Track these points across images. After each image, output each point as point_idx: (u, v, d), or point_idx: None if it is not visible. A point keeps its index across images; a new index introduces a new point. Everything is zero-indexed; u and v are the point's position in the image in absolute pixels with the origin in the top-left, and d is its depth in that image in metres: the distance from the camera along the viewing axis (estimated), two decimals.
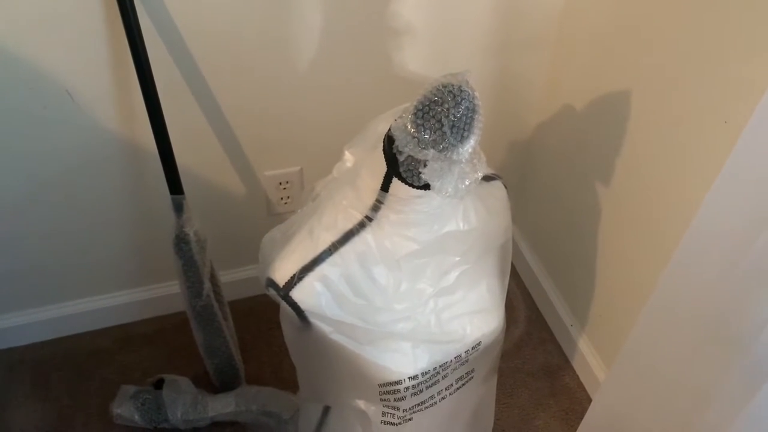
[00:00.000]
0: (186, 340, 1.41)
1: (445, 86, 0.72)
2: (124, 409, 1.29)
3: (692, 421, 0.99)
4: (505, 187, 1.01)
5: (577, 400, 1.42)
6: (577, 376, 1.47)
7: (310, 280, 0.84)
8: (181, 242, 1.17)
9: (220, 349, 1.31)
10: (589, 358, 1.43)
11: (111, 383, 1.36)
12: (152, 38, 1.07)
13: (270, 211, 1.42)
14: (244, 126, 1.27)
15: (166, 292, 1.48)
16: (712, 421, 0.92)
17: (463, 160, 0.76)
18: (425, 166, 0.76)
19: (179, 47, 1.11)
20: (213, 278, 1.27)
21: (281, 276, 0.86)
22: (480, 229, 0.90)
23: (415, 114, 0.73)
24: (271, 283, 0.86)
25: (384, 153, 0.80)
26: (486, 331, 0.97)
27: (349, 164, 0.93)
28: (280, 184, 1.38)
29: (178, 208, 1.16)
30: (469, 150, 0.75)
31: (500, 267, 1.01)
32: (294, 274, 0.84)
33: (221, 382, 1.36)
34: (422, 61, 1.26)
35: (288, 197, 1.40)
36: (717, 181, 0.79)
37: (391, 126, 0.78)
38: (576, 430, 1.32)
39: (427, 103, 0.73)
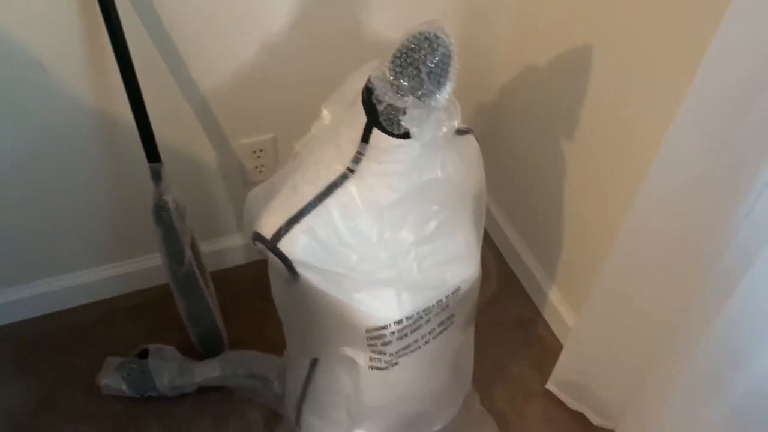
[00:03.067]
0: (168, 312, 1.43)
1: (421, 33, 0.75)
2: (111, 379, 1.31)
3: (661, 349, 1.06)
4: (477, 141, 1.06)
5: (549, 349, 1.49)
6: (549, 326, 1.54)
7: (297, 231, 0.88)
8: (160, 210, 1.19)
9: (203, 316, 1.34)
10: (559, 308, 1.49)
11: (95, 357, 1.37)
12: (125, 6, 1.08)
13: (245, 181, 1.44)
14: (217, 94, 1.28)
15: (146, 266, 1.49)
16: (679, 346, 0.99)
17: (441, 107, 0.80)
18: (404, 113, 0.80)
19: (151, 16, 1.12)
20: (193, 246, 1.29)
21: (268, 229, 0.89)
22: (456, 177, 0.94)
23: (393, 62, 0.77)
24: (259, 237, 0.89)
25: (363, 104, 0.84)
26: (464, 277, 1.02)
27: (327, 122, 0.96)
28: (254, 152, 1.40)
29: (156, 176, 1.17)
30: (446, 96, 0.80)
31: (476, 216, 1.05)
32: (281, 227, 0.88)
33: (205, 350, 1.39)
34: (391, 24, 1.29)
35: (262, 165, 1.42)
36: (677, 119, 0.85)
37: (369, 76, 0.82)
38: (548, 372, 1.39)
39: (405, 51, 0.76)
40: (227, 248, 1.55)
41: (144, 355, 1.34)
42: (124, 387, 1.30)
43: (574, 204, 1.37)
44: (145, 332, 1.45)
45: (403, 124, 0.80)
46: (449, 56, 0.76)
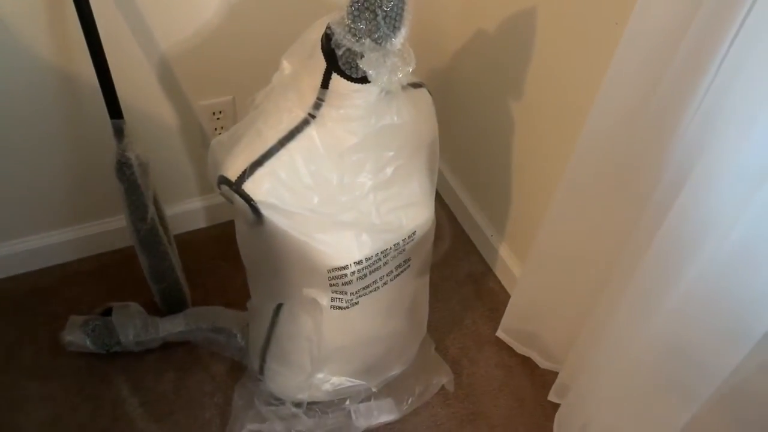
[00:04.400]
0: (130, 274, 1.46)
1: None
2: (75, 336, 1.33)
3: (599, 291, 1.14)
4: (430, 94, 1.12)
5: (500, 300, 1.57)
6: (499, 280, 1.62)
7: (261, 174, 0.92)
8: (123, 166, 1.21)
9: (166, 272, 1.37)
10: (508, 262, 1.58)
11: (58, 317, 1.38)
12: None
13: (205, 143, 1.47)
14: (178, 53, 1.31)
15: (108, 228, 1.51)
16: (615, 281, 1.08)
17: (396, 52, 0.86)
18: (362, 57, 0.85)
19: None
20: (156, 203, 1.32)
21: (233, 172, 0.93)
22: (411, 125, 1.00)
23: (351, 7, 0.82)
24: (224, 180, 0.93)
25: (322, 50, 0.89)
26: (419, 222, 1.09)
27: (287, 72, 1.01)
28: (214, 114, 1.43)
29: (119, 132, 1.19)
30: (401, 41, 0.85)
31: (429, 164, 1.12)
32: (245, 170, 0.92)
33: (169, 307, 1.42)
34: None
35: (222, 127, 1.46)
36: (613, 62, 0.93)
37: (328, 23, 0.87)
38: (499, 321, 1.47)
39: None
40: (188, 211, 1.58)
41: (108, 313, 1.36)
42: (88, 343, 1.33)
43: (520, 161, 1.45)
44: (108, 293, 1.47)
45: (361, 67, 0.85)
46: (403, 1, 0.82)
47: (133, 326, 1.34)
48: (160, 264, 1.35)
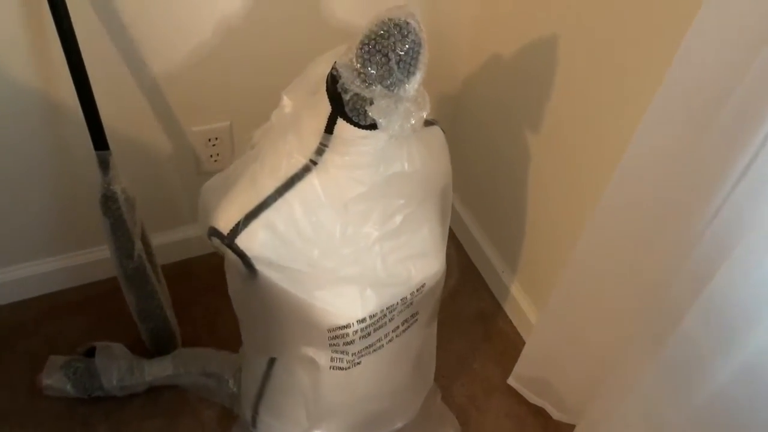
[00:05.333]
0: (117, 306, 1.36)
1: (391, 19, 0.71)
2: (55, 379, 1.23)
3: (624, 345, 1.05)
4: (443, 132, 1.02)
5: (510, 342, 1.48)
6: (510, 320, 1.53)
7: (256, 226, 0.83)
8: (108, 201, 1.12)
9: (154, 312, 1.27)
10: (520, 302, 1.48)
11: (37, 356, 1.29)
12: None
13: (199, 170, 1.38)
14: (169, 77, 1.21)
15: (94, 258, 1.42)
16: (646, 343, 0.98)
17: (410, 97, 0.76)
18: (371, 104, 0.76)
19: None
20: (144, 239, 1.22)
21: (225, 224, 0.84)
22: (423, 171, 0.91)
23: (361, 49, 0.73)
24: (215, 232, 0.84)
25: (328, 93, 0.79)
26: (429, 274, 0.99)
27: (288, 110, 0.91)
28: (209, 140, 1.34)
29: (104, 164, 1.10)
30: (416, 86, 0.76)
31: (441, 210, 1.02)
32: (239, 221, 0.83)
33: (157, 347, 1.33)
34: (353, 8, 1.25)
35: (218, 154, 1.36)
36: (648, 111, 0.83)
37: (335, 63, 0.77)
38: (510, 369, 1.38)
39: (373, 38, 0.72)
40: (180, 240, 1.49)
41: (91, 353, 1.27)
42: (68, 387, 1.23)
43: (537, 200, 1.36)
44: (92, 328, 1.38)
45: (369, 114, 0.76)
46: (420, 44, 0.73)
47: (117, 369, 1.25)
48: (148, 303, 1.26)
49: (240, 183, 0.87)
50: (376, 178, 0.85)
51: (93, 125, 1.06)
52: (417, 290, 0.98)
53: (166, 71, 1.20)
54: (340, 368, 0.97)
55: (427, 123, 1.00)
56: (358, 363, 0.98)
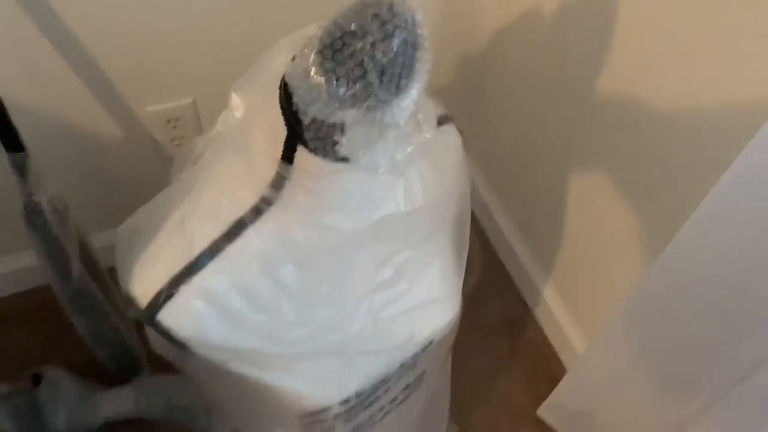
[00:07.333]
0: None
1: (367, 7, 0.43)
2: None
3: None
4: (460, 133, 0.75)
5: (540, 357, 1.24)
6: (541, 327, 1.28)
7: (187, 296, 0.58)
8: (32, 214, 0.88)
9: (109, 336, 1.05)
10: (553, 305, 1.23)
11: None
12: None
13: (160, 157, 1.12)
14: (108, 48, 0.94)
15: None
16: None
17: (402, 121, 0.49)
18: (343, 132, 0.48)
19: None
20: (85, 252, 0.98)
21: (143, 291, 0.59)
22: (429, 204, 0.64)
23: (321, 53, 0.45)
24: (129, 302, 0.59)
25: (282, 109, 0.52)
26: (439, 326, 0.74)
27: (238, 114, 0.65)
28: (169, 121, 1.07)
29: (20, 170, 0.85)
30: (411, 107, 0.48)
31: (456, 242, 0.77)
32: (161, 289, 0.58)
33: (118, 371, 1.11)
34: None
35: (181, 137, 1.10)
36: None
37: (286, 70, 0.50)
38: (540, 390, 1.14)
39: (339, 36, 0.44)
40: None
41: (38, 380, 1.06)
42: (9, 427, 1.03)
43: (579, 190, 1.08)
44: (41, 345, 1.17)
45: (340, 149, 0.49)
46: (414, 44, 0.45)
47: (65, 405, 1.03)
48: (100, 327, 1.03)
49: (166, 227, 0.61)
50: (359, 224, 0.59)
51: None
52: (422, 350, 0.73)
53: (101, 39, 0.92)
54: None
55: (439, 120, 0.72)
56: None
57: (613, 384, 1.00)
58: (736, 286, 0.70)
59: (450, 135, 0.72)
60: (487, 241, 1.41)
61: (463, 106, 1.31)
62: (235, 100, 0.65)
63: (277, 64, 0.58)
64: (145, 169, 1.13)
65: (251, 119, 0.61)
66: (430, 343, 0.74)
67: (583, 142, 1.03)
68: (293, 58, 0.49)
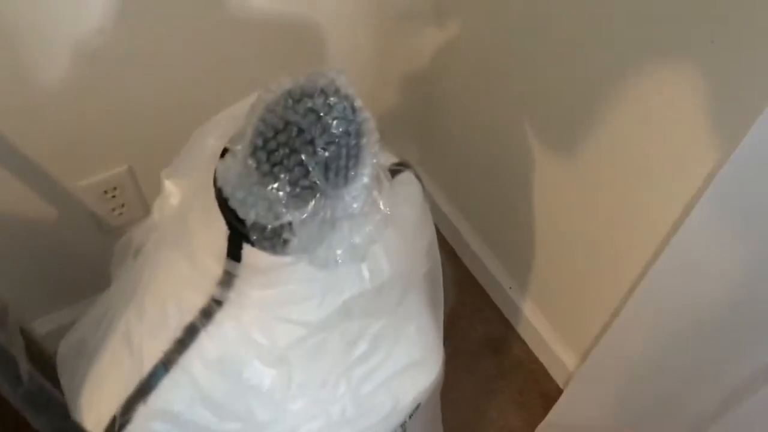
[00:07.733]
0: None
1: (299, 101, 0.38)
2: None
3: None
4: (418, 179, 0.70)
5: (530, 374, 1.20)
6: (525, 343, 1.24)
7: (144, 419, 0.52)
8: None
9: (71, 429, 0.98)
10: (535, 322, 1.19)
11: None
12: None
13: (102, 228, 1.04)
14: (30, 128, 0.86)
15: None
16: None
17: (356, 211, 0.44)
18: (293, 232, 0.43)
19: None
20: (32, 349, 0.90)
21: (95, 421, 0.54)
22: (397, 273, 0.59)
23: (254, 156, 0.39)
24: None
25: (220, 209, 0.47)
26: (423, 387, 0.70)
27: (174, 201, 0.59)
28: (106, 192, 0.99)
29: None
30: (363, 192, 0.43)
31: (430, 296, 0.72)
32: (113, 416, 0.52)
33: None
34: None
35: (122, 206, 1.02)
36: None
37: (216, 167, 0.44)
38: (534, 409, 1.11)
39: (272, 136, 0.39)
40: None
41: None
42: None
43: (544, 199, 1.05)
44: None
45: (286, 247, 0.44)
46: (358, 131, 0.40)
47: None
48: (63, 424, 0.95)
49: (111, 342, 0.55)
50: (322, 312, 0.54)
51: None
52: (410, 417, 0.69)
53: (18, 121, 0.85)
54: None
55: (395, 170, 0.67)
56: None
57: (614, 398, 0.97)
58: (728, 298, 0.67)
59: (408, 186, 0.67)
60: (459, 261, 1.36)
61: (411, 123, 1.26)
62: (169, 187, 0.59)
63: (208, 145, 0.53)
64: (90, 243, 1.05)
65: (188, 207, 0.55)
66: (418, 406, 0.69)
67: (540, 149, 0.99)
68: (223, 153, 0.44)
